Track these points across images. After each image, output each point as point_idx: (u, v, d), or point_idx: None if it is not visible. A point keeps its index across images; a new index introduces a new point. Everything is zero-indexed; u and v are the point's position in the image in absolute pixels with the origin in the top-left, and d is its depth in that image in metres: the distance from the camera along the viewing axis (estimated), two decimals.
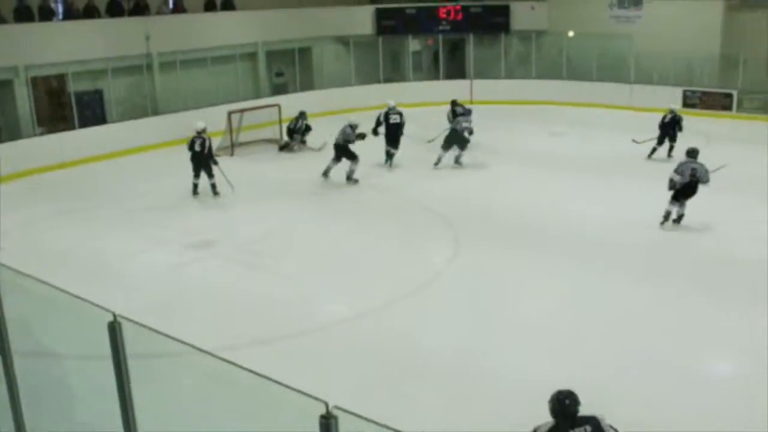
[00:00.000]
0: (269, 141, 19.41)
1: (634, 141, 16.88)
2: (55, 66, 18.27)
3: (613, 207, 13.38)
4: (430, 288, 10.24)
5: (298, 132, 18.76)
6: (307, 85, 24.46)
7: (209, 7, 22.86)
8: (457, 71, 26.69)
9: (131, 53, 19.80)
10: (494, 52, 26.10)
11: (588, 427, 4.70)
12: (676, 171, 11.99)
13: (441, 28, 26.11)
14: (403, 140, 16.75)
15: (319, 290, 10.34)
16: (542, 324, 8.90)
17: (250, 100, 21.26)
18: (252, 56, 23.60)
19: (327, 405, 3.15)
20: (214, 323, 9.15)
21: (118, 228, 13.04)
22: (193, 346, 4.01)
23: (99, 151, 18.24)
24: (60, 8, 20.74)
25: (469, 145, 16.38)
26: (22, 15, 18.67)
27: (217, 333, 8.62)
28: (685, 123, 16.61)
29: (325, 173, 15.64)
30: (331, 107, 22.99)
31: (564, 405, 4.77)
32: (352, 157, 15.36)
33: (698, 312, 9.21)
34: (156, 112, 20.37)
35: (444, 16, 26.03)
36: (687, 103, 21.89)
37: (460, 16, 26.01)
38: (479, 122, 17.06)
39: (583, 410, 4.89)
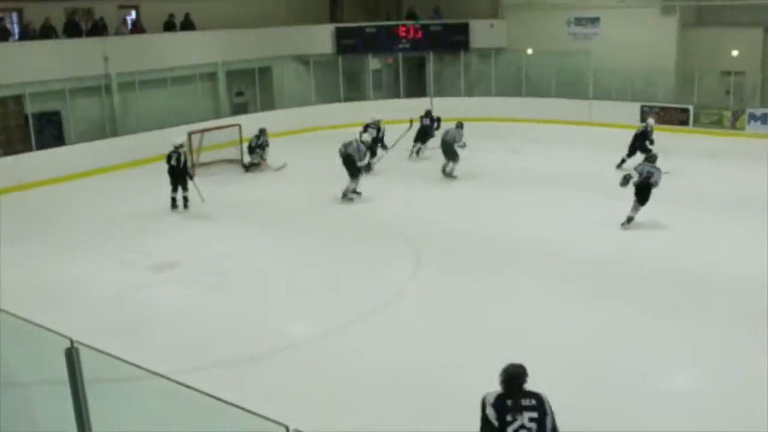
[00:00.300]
0: (230, 161, 19.30)
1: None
2: (12, 87, 18.06)
3: (574, 222, 13.54)
4: (392, 306, 10.29)
5: (261, 147, 18.63)
6: (268, 104, 24.44)
7: (168, 27, 22.75)
8: (417, 89, 26.82)
9: (90, 74, 19.66)
10: (454, 69, 26.37)
11: (533, 400, 5.02)
12: (635, 168, 12.98)
13: (401, 46, 26.31)
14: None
15: (282, 311, 10.31)
16: (501, 340, 8.93)
17: (211, 120, 21.18)
18: (212, 76, 23.52)
19: (287, 428, 3.16)
20: (176, 345, 9.09)
21: (79, 250, 12.89)
22: (148, 371, 4.00)
23: (57, 173, 18.05)
24: (16, 28, 20.51)
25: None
26: None
27: (180, 355, 8.57)
28: (654, 137, 17.10)
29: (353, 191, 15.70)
30: (291, 126, 23.07)
31: (512, 375, 5.08)
32: (355, 175, 15.42)
33: (654, 326, 9.35)
34: (115, 134, 20.20)
35: (404, 34, 26.24)
36: (645, 118, 22.22)
37: (419, 35, 26.25)
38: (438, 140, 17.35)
39: None
